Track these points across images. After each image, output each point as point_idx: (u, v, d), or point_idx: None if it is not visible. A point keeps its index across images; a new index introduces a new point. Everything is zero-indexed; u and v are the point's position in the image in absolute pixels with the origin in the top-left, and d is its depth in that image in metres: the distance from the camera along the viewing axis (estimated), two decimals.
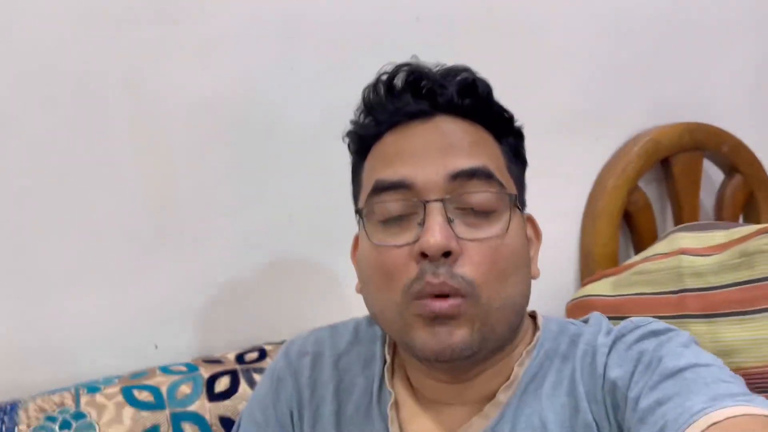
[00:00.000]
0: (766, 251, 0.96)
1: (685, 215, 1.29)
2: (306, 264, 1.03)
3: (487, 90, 0.70)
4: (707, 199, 1.36)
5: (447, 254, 0.62)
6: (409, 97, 0.69)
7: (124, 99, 0.92)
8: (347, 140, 0.74)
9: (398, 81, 0.70)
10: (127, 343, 0.95)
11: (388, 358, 0.73)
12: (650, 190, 1.31)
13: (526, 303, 0.68)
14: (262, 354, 0.94)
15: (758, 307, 0.95)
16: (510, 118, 0.72)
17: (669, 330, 0.66)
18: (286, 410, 0.76)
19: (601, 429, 0.63)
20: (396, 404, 0.71)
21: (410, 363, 0.71)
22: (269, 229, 1.02)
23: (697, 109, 1.30)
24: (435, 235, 0.62)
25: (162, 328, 0.97)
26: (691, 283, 1.01)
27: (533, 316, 0.74)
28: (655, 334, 0.65)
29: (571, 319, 0.74)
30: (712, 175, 1.36)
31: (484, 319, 0.63)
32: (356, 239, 0.74)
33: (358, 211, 0.69)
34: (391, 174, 0.66)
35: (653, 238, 1.24)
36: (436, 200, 0.63)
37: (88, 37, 0.89)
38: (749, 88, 1.36)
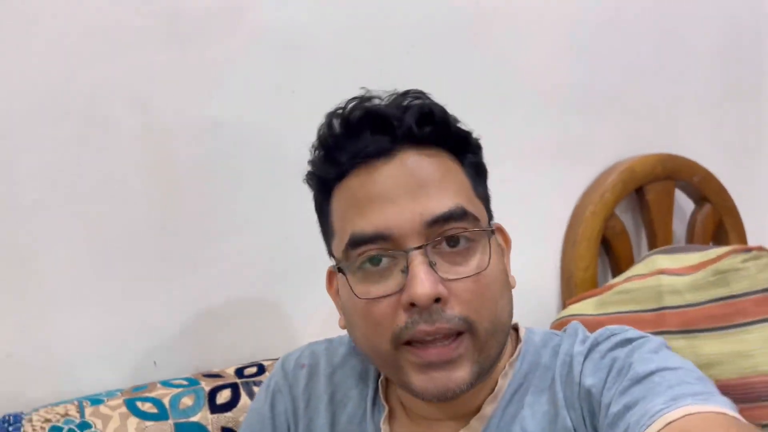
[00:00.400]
0: (738, 269, 1.02)
1: (659, 241, 1.36)
2: (301, 285, 1.06)
3: (443, 115, 0.69)
4: (679, 226, 1.43)
5: (437, 300, 0.62)
6: (367, 134, 0.67)
7: (132, 119, 0.95)
8: (306, 181, 0.73)
9: (353, 118, 0.68)
10: (127, 359, 0.96)
11: (383, 373, 0.75)
12: (626, 218, 1.38)
13: (510, 322, 0.69)
14: (261, 369, 0.96)
15: (734, 323, 1.01)
16: (466, 137, 0.71)
17: (642, 337, 0.67)
18: (283, 421, 0.77)
19: None
20: (389, 418, 0.73)
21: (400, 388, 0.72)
22: (267, 250, 1.05)
23: (669, 141, 1.38)
24: (424, 284, 0.61)
25: (161, 345, 0.98)
26: (670, 301, 1.07)
27: (515, 328, 0.75)
28: (629, 341, 0.66)
29: (553, 330, 0.76)
30: (684, 204, 1.43)
31: (480, 349, 0.65)
32: (329, 272, 0.73)
33: (335, 260, 0.69)
34: (365, 226, 0.65)
35: (630, 262, 1.30)
36: (416, 248, 0.63)
37: (100, 57, 0.92)
38: (715, 122, 1.44)
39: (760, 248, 1.04)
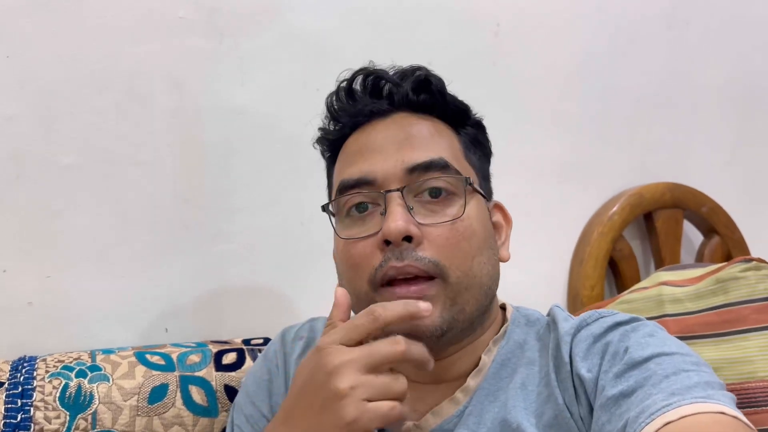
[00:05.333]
0: (739, 278, 1.04)
1: None
2: (312, 268, 1.09)
3: (440, 85, 0.74)
4: (687, 258, 1.46)
5: (409, 239, 0.65)
6: (367, 98, 0.73)
7: (167, 97, 1.03)
8: (317, 147, 0.79)
9: (357, 85, 0.74)
10: (140, 322, 1.01)
11: None
12: (635, 244, 1.41)
13: (495, 285, 0.71)
14: (267, 341, 0.99)
15: (732, 329, 1.02)
16: (465, 110, 0.76)
17: (633, 320, 0.68)
18: (278, 385, 0.80)
19: (572, 413, 0.66)
20: None
21: None
22: (282, 232, 1.10)
23: (678, 172, 1.42)
24: (396, 220, 0.65)
25: (174, 312, 1.03)
26: (670, 309, 1.08)
27: (503, 307, 0.78)
28: (619, 324, 0.68)
29: (539, 312, 0.77)
30: (692, 236, 1.46)
31: (453, 298, 0.66)
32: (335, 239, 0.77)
33: (325, 210, 0.73)
34: (353, 172, 0.70)
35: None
36: (395, 190, 0.67)
37: (144, 39, 1.01)
38: (727, 155, 1.48)
39: (760, 260, 1.06)
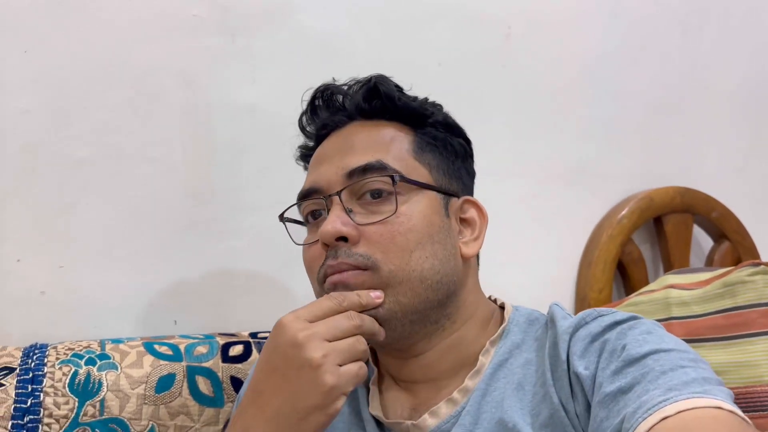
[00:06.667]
0: (746, 281, 1.03)
1: None
2: None
3: (389, 90, 0.76)
4: (697, 263, 1.45)
5: (345, 239, 0.69)
6: (326, 112, 0.79)
7: (178, 94, 1.05)
8: (300, 164, 0.85)
9: (314, 100, 0.80)
10: (149, 314, 1.02)
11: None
12: (645, 248, 1.40)
13: (448, 278, 0.71)
14: None
15: (739, 333, 1.02)
16: (418, 112, 0.77)
17: (632, 318, 0.68)
18: None
19: (567, 411, 0.66)
20: (378, 380, 0.77)
21: (375, 346, 0.77)
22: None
23: (689, 176, 1.41)
24: (328, 224, 0.69)
25: (182, 306, 1.04)
26: (677, 312, 1.08)
27: (502, 307, 0.79)
28: (618, 323, 0.68)
29: (539, 311, 0.78)
30: (702, 241, 1.45)
31: (385, 290, 0.68)
32: None
33: (281, 220, 0.78)
34: (306, 183, 0.75)
35: None
36: (333, 194, 0.71)
37: (156, 36, 1.03)
38: (739, 160, 1.48)
39: None
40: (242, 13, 1.08)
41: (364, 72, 1.16)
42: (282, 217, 0.79)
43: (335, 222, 0.69)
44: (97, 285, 1.00)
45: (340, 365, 0.61)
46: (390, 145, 0.74)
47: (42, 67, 0.98)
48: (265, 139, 1.11)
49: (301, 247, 0.76)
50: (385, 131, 0.76)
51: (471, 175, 0.81)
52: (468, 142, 0.81)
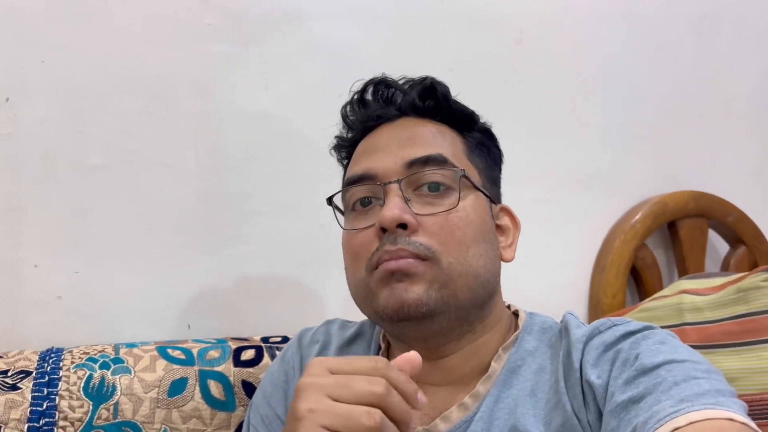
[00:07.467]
0: (761, 287, 1.03)
1: None
2: (331, 269, 1.11)
3: (445, 91, 0.78)
4: (712, 268, 1.43)
5: (404, 227, 0.68)
6: (377, 105, 0.79)
7: (191, 101, 1.06)
8: (334, 154, 0.84)
9: (368, 95, 0.80)
10: (163, 318, 1.04)
11: (383, 345, 0.80)
12: (659, 253, 1.40)
13: (493, 280, 0.73)
14: (285, 340, 1.01)
15: (753, 339, 1.01)
16: (470, 115, 0.79)
17: (646, 328, 0.68)
18: (292, 387, 0.81)
19: (580, 419, 0.66)
20: None
21: (394, 346, 0.77)
22: (301, 234, 1.12)
23: (704, 180, 1.40)
24: (391, 209, 0.68)
25: (196, 310, 1.06)
26: (690, 318, 1.08)
27: (516, 313, 0.79)
28: (632, 333, 0.67)
29: (553, 318, 0.78)
30: (718, 246, 1.44)
31: (444, 282, 0.68)
32: None
33: (330, 204, 0.77)
34: (357, 169, 0.74)
35: None
36: (393, 182, 0.71)
37: (170, 44, 1.05)
38: (755, 164, 1.46)
39: None
40: (255, 21, 1.10)
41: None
42: (330, 201, 0.78)
43: (397, 208, 0.68)
44: (112, 290, 1.01)
45: (327, 429, 0.48)
46: (448, 142, 0.75)
47: (59, 76, 1.00)
48: (277, 145, 1.12)
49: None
50: (441, 129, 0.77)
51: (500, 184, 0.83)
52: (501, 152, 0.83)
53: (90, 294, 1.00)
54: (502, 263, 0.78)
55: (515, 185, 1.28)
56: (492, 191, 0.78)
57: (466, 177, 0.73)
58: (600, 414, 0.65)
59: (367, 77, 1.17)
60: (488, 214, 0.75)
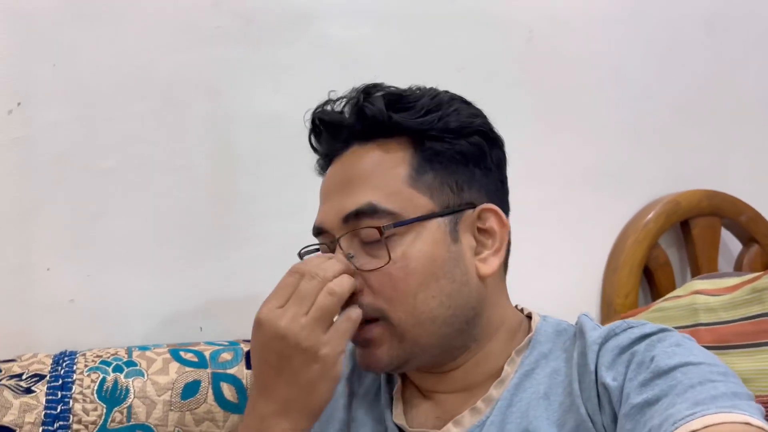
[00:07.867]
0: None
1: None
2: None
3: (376, 111, 0.71)
4: (726, 267, 1.42)
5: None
6: (325, 137, 0.77)
7: (203, 104, 1.06)
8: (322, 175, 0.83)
9: (314, 126, 0.78)
10: (175, 321, 1.04)
11: None
12: (671, 252, 1.39)
13: (456, 311, 0.69)
14: None
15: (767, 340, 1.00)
16: (418, 127, 0.71)
17: (661, 330, 0.67)
18: None
19: (594, 422, 0.65)
20: (402, 390, 0.77)
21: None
22: (312, 237, 1.11)
23: (717, 179, 1.39)
24: (336, 283, 0.67)
25: (208, 313, 1.06)
26: (704, 318, 1.07)
27: (529, 316, 0.78)
28: (647, 335, 0.67)
29: (567, 321, 0.77)
30: (731, 244, 1.43)
31: (401, 337, 0.69)
32: None
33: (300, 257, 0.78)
34: (316, 221, 0.75)
35: None
36: (336, 239, 0.71)
37: (181, 48, 1.05)
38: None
39: None
40: (265, 24, 1.10)
41: (386, 78, 1.18)
42: (300, 255, 0.78)
43: (341, 281, 0.67)
44: (124, 293, 1.01)
45: (325, 332, 0.64)
46: (384, 177, 0.70)
47: (70, 80, 1.00)
48: (288, 147, 1.11)
49: None
50: (381, 159, 0.72)
51: (491, 173, 0.75)
52: (487, 137, 0.75)
53: (102, 297, 1.00)
54: (510, 263, 0.77)
55: (526, 187, 1.28)
56: (461, 198, 0.71)
57: (397, 225, 0.68)
58: (615, 417, 0.64)
59: (378, 78, 1.16)
60: (443, 243, 0.70)
